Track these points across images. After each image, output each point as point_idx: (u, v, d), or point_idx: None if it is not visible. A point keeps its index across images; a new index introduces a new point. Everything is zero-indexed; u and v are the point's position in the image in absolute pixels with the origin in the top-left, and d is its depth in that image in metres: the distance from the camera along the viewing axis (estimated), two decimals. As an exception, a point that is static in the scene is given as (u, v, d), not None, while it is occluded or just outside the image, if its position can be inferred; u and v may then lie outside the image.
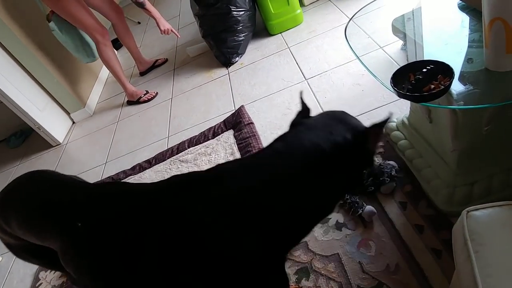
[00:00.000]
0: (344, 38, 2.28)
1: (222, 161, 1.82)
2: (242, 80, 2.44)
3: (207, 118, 2.24)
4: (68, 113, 2.96)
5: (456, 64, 0.95)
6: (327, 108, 1.87)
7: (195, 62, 2.94)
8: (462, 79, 0.92)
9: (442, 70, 0.86)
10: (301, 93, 0.87)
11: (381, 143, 0.67)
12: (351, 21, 1.39)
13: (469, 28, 1.04)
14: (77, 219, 0.84)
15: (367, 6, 1.74)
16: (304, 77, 2.16)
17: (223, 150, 1.88)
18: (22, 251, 1.13)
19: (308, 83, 2.10)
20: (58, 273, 1.72)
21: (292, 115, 1.95)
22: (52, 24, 2.46)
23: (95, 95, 3.19)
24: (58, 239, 0.87)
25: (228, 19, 2.50)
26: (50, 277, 1.73)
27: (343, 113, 0.78)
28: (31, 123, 2.65)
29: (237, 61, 2.65)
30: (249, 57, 2.64)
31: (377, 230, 1.25)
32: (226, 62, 2.65)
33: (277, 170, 0.70)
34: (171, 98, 2.65)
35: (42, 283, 1.72)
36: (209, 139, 2.00)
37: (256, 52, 2.65)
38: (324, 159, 0.68)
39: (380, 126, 0.68)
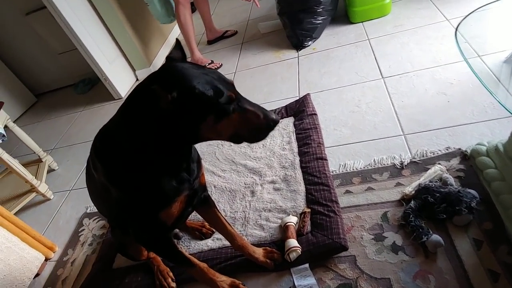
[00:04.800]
0: (436, 38, 2.05)
1: (277, 147, 1.73)
2: (312, 66, 2.29)
3: (268, 100, 2.14)
4: (133, 70, 3.03)
5: None
6: (402, 113, 1.68)
7: (265, 39, 2.83)
8: None
9: None
10: (176, 39, 0.92)
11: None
12: (463, 21, 1.19)
13: None
14: None
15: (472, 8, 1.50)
16: (382, 74, 1.97)
17: (280, 136, 1.78)
18: None
19: (385, 82, 1.90)
20: (100, 223, 1.78)
21: (360, 114, 1.81)
22: None
23: (161, 57, 3.21)
24: None
25: (310, -1, 2.34)
26: (93, 225, 1.79)
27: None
28: (99, 73, 2.74)
29: (309, 45, 2.49)
30: (323, 43, 2.47)
31: (440, 264, 1.10)
32: (298, 44, 2.50)
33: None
34: (235, 72, 2.58)
35: (84, 229, 1.79)
36: (267, 123, 1.91)
37: (332, 38, 2.47)
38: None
39: None
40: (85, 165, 1.05)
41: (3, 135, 1.81)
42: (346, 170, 1.52)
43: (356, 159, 1.55)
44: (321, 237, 1.24)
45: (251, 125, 0.84)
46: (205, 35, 3.17)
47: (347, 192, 1.43)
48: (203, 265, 1.18)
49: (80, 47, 2.58)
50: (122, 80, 2.91)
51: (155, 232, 1.04)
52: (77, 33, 2.50)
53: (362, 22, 2.49)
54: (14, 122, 2.17)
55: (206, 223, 1.48)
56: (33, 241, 1.66)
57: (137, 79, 3.06)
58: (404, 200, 1.29)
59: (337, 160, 1.59)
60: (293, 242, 1.23)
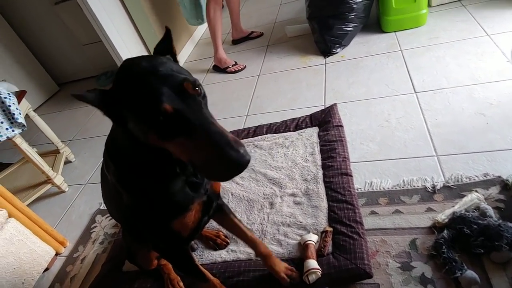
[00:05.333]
0: (475, 54, 1.93)
1: (299, 158, 1.65)
2: (339, 74, 2.20)
3: (292, 107, 2.07)
4: (156, 66, 2.99)
5: None
6: (436, 132, 1.58)
7: (291, 43, 2.75)
8: None
9: None
10: (166, 27, 0.79)
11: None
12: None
13: None
14: None
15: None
16: (414, 89, 1.87)
17: (303, 147, 1.70)
18: None
19: (417, 97, 1.80)
20: (112, 222, 1.74)
21: (390, 129, 1.71)
22: None
23: (184, 54, 3.18)
24: None
25: (342, 5, 2.26)
26: (105, 223, 1.75)
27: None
28: (122, 67, 2.72)
29: (338, 53, 2.41)
30: (352, 51, 2.38)
31: (474, 304, 1.01)
32: (326, 51, 2.42)
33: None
34: (258, 75, 2.52)
35: (96, 226, 1.76)
36: (290, 131, 1.83)
37: (362, 47, 2.38)
38: None
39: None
40: (101, 160, 1.01)
41: (23, 125, 1.79)
42: (372, 189, 1.44)
43: (384, 178, 1.46)
44: (344, 261, 1.16)
45: (202, 157, 0.64)
46: (230, 34, 3.11)
47: (373, 213, 1.34)
48: (216, 281, 1.12)
49: (105, 39, 2.56)
50: (144, 75, 2.88)
51: (171, 242, 0.97)
52: (103, 26, 2.48)
53: (395, 31, 2.39)
54: (35, 110, 2.17)
55: (221, 233, 1.42)
56: (45, 234, 1.64)
57: (159, 75, 3.03)
58: (436, 228, 1.20)
59: (362, 177, 1.50)
60: (313, 263, 1.15)
